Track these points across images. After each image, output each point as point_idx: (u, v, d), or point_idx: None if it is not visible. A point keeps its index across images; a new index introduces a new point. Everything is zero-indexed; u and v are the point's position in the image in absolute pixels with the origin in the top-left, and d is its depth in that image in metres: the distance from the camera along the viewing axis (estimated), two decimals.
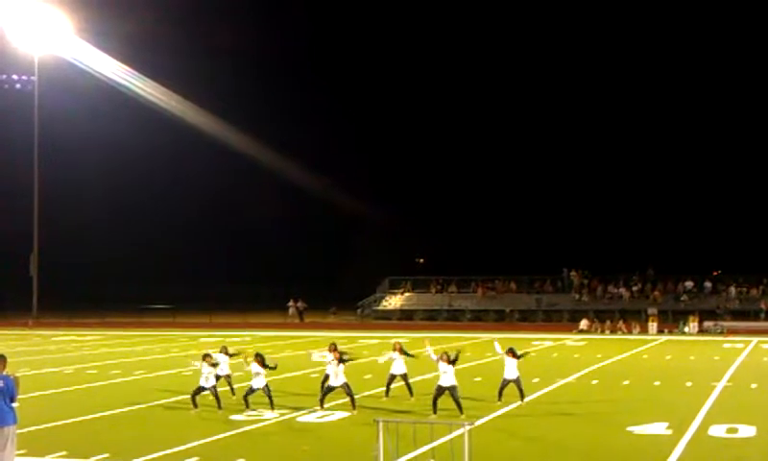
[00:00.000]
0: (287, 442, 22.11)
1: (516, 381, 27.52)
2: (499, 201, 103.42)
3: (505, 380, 27.58)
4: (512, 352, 27.62)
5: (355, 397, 26.60)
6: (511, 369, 27.48)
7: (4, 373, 16.92)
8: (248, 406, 26.48)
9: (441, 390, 25.05)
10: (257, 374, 26.44)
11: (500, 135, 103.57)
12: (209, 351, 28.18)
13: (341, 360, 26.42)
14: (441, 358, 25.01)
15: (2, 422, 16.40)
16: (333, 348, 27.04)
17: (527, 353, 28.27)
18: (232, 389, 28.94)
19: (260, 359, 26.58)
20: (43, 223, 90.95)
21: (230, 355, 29.18)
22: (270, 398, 26.29)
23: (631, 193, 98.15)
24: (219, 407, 26.54)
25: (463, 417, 24.02)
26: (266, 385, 26.48)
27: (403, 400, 27.94)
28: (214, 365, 27.13)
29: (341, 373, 26.35)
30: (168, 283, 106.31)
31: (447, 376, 24.90)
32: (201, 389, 26.82)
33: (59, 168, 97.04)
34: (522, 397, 27.50)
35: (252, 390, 26.58)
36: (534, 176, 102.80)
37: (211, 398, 26.73)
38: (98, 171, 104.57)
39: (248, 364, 27.17)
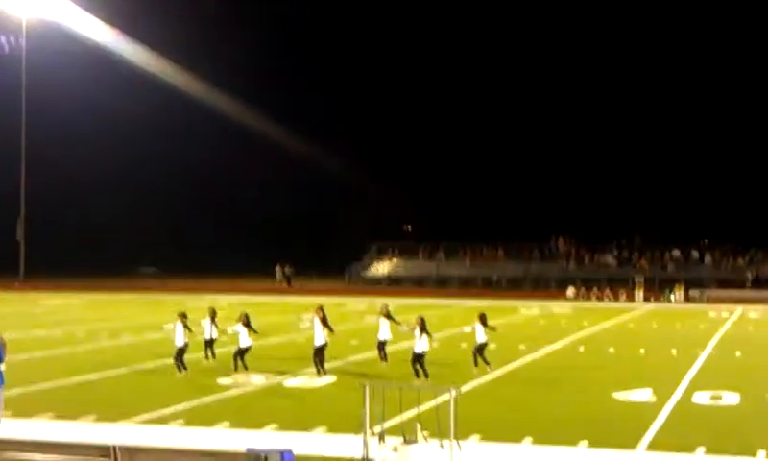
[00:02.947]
0: (273, 406, 22.20)
1: (482, 347, 27.56)
2: (487, 168, 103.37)
3: (477, 346, 27.69)
4: (482, 319, 27.68)
5: (343, 361, 26.68)
6: (480, 335, 27.55)
7: None
8: (243, 367, 26.62)
9: (416, 356, 25.53)
10: (240, 333, 26.74)
11: (489, 102, 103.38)
12: (185, 312, 28.21)
13: (324, 321, 26.60)
14: (417, 324, 25.61)
15: None
16: (318, 309, 27.19)
17: (494, 328, 28.30)
18: (213, 353, 28.94)
19: (246, 319, 26.85)
20: (30, 186, 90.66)
21: (215, 321, 29.09)
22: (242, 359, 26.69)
23: (619, 161, 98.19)
24: (181, 369, 26.77)
25: (429, 381, 24.46)
26: (248, 347, 26.80)
27: (382, 365, 28.00)
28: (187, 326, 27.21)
29: (322, 333, 26.51)
30: (155, 247, 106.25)
31: (421, 342, 25.48)
32: (181, 350, 27.01)
33: (47, 131, 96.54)
34: (486, 363, 27.43)
35: (240, 350, 26.79)
36: (523, 143, 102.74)
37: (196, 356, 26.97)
38: (86, 134, 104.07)
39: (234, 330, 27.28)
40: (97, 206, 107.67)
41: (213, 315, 29.16)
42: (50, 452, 15.01)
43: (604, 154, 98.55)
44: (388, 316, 28.52)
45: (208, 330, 28.80)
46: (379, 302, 37.04)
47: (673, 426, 19.69)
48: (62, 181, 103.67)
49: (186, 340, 27.18)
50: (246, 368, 26.76)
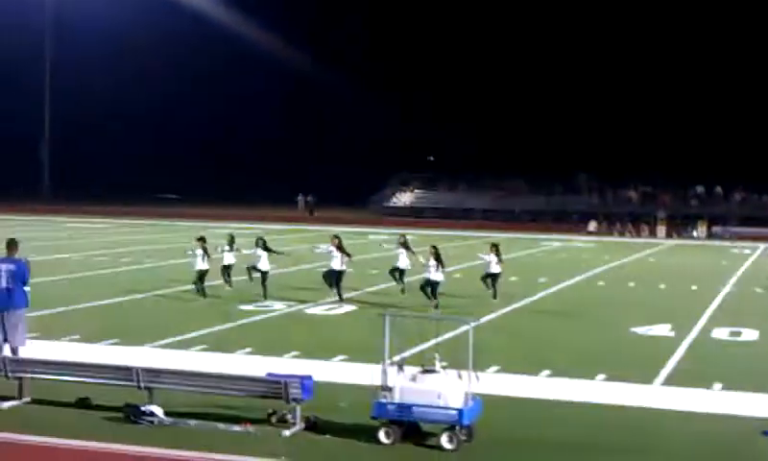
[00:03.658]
0: (294, 333, 22.40)
1: (497, 276, 27.83)
2: (511, 101, 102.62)
3: (488, 274, 27.83)
4: (495, 249, 27.79)
5: (361, 291, 26.82)
6: (493, 265, 27.65)
7: (16, 256, 17.12)
8: (266, 295, 26.88)
9: (428, 282, 26.01)
10: (260, 256, 26.98)
11: (512, 33, 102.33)
12: (203, 236, 28.45)
13: (339, 248, 26.78)
14: (430, 254, 26.07)
15: (15, 304, 16.64)
16: (334, 237, 27.46)
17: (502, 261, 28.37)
18: (230, 280, 29.11)
19: (263, 242, 27.28)
20: (54, 110, 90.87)
21: (233, 247, 29.27)
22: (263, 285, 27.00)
23: (644, 97, 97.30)
24: (204, 293, 27.12)
25: (441, 311, 24.97)
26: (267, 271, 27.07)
27: (405, 297, 28.13)
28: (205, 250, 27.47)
29: (341, 260, 26.77)
30: (179, 175, 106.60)
31: (435, 272, 25.85)
32: (202, 274, 27.28)
33: (69, 54, 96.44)
34: (491, 288, 27.80)
35: (261, 273, 27.03)
36: (547, 76, 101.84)
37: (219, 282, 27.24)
38: (109, 60, 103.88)
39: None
40: (121, 130, 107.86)
41: (231, 241, 29.32)
42: (74, 373, 15.27)
43: (629, 89, 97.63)
44: (405, 246, 28.62)
45: (227, 256, 29.02)
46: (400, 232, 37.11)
47: (691, 362, 19.77)
48: (86, 106, 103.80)
49: (207, 265, 27.44)
50: (265, 294, 26.94)
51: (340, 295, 26.90)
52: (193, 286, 27.60)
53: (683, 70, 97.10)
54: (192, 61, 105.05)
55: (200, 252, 27.35)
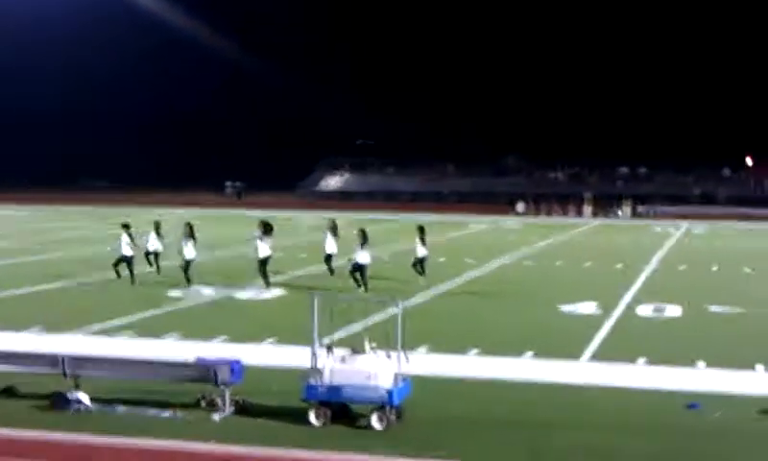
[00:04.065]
0: (223, 318, 22.29)
1: (424, 259, 28.01)
2: (439, 83, 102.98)
3: (416, 259, 27.95)
4: (421, 232, 28.05)
5: (292, 275, 26.72)
6: (420, 249, 27.92)
7: None
8: (189, 282, 26.60)
9: (356, 266, 26.06)
10: (186, 245, 26.74)
11: (441, 14, 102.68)
12: (128, 221, 28.23)
13: (265, 232, 26.70)
14: (358, 237, 26.22)
15: None
16: (261, 223, 27.35)
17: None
18: (158, 266, 28.93)
19: (189, 229, 26.97)
20: None
21: (159, 234, 29.16)
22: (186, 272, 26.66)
23: (571, 79, 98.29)
24: (133, 282, 26.87)
25: (370, 293, 24.77)
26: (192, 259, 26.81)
27: (334, 280, 28.16)
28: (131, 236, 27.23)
29: (266, 246, 26.65)
30: (108, 161, 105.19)
31: (362, 254, 26.00)
32: (127, 260, 27.03)
33: None
34: (421, 274, 27.85)
35: (187, 262, 26.75)
36: (474, 58, 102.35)
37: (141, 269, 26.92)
38: (37, 45, 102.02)
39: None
40: (41, 113, 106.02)
41: (158, 227, 29.16)
42: None
43: (556, 71, 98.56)
44: (333, 230, 28.66)
45: (153, 243, 28.83)
46: (329, 216, 37.10)
47: (616, 338, 20.08)
48: (11, 94, 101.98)
49: (132, 252, 27.19)
50: (189, 281, 26.69)
51: (267, 281, 26.69)
52: (114, 271, 27.34)
53: (609, 53, 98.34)
54: (119, 48, 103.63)
55: (125, 238, 27.10)
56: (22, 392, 14.79)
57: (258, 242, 26.75)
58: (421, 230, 28.30)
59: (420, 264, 27.99)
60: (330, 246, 28.59)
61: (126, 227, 27.42)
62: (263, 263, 26.68)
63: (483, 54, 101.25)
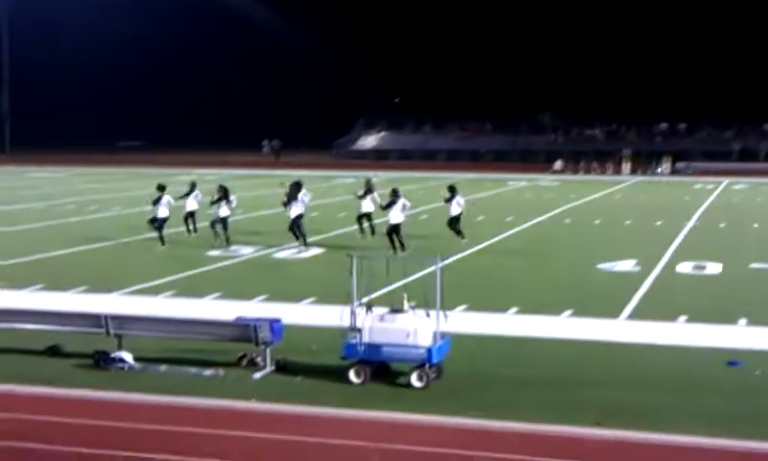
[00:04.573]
0: (262, 277, 22.43)
1: (458, 218, 27.61)
2: (476, 40, 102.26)
3: (451, 218, 27.75)
4: (452, 191, 27.73)
5: (331, 234, 26.81)
6: (454, 207, 27.53)
7: None
8: (225, 239, 26.70)
9: (391, 227, 25.65)
10: (221, 205, 26.81)
11: None
12: (164, 184, 28.29)
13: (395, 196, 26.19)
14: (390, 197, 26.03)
15: None
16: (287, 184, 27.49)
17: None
18: (195, 227, 29.00)
19: (224, 191, 26.93)
20: (12, 61, 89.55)
21: (193, 193, 29.21)
22: (221, 231, 26.75)
23: (608, 34, 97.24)
24: (164, 242, 26.95)
25: (407, 253, 24.50)
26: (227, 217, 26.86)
27: (374, 239, 28.16)
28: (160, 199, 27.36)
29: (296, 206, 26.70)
30: (144, 122, 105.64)
31: (394, 214, 25.58)
32: (162, 221, 27.14)
33: (28, 4, 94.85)
34: (459, 234, 27.54)
35: (221, 221, 26.78)
36: (510, 16, 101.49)
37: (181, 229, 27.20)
38: (70, 12, 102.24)
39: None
40: (82, 79, 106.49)
41: (193, 188, 29.24)
42: (41, 322, 15.23)
43: (593, 27, 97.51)
44: (369, 190, 28.46)
45: (190, 203, 28.91)
46: (366, 175, 37.12)
47: (656, 296, 20.00)
48: (47, 53, 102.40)
49: (168, 213, 27.27)
50: (228, 240, 26.75)
51: (304, 239, 26.68)
52: (156, 232, 27.43)
53: (647, 7, 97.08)
54: (155, 9, 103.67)
55: (165, 199, 27.21)
56: (66, 351, 15.00)
57: (294, 202, 26.70)
58: (452, 189, 27.98)
59: (455, 223, 27.65)
60: (367, 205, 28.43)
61: (162, 188, 27.50)
62: (296, 222, 26.62)
63: (520, 12, 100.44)
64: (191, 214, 28.96)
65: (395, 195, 25.87)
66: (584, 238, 30.33)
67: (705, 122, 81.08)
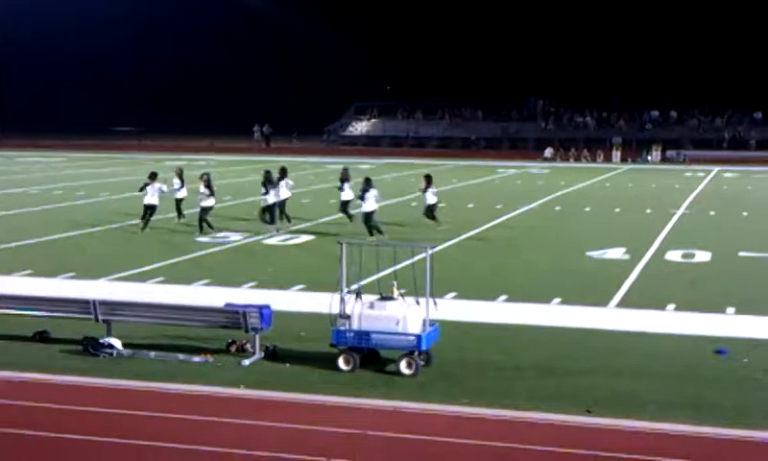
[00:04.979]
0: (251, 264, 22.40)
1: (434, 207, 28.09)
2: (467, 27, 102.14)
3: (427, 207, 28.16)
4: (428, 180, 28.13)
5: (321, 221, 26.80)
6: (429, 196, 27.99)
7: None
8: (212, 227, 26.64)
9: (364, 216, 26.12)
10: (203, 194, 26.66)
11: None
12: (155, 171, 28.24)
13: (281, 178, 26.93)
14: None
15: None
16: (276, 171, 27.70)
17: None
18: (182, 213, 28.89)
19: (207, 179, 26.82)
20: (4, 41, 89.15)
21: (182, 179, 29.14)
22: (206, 221, 26.64)
23: (599, 22, 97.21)
24: (143, 228, 26.88)
25: (373, 239, 24.86)
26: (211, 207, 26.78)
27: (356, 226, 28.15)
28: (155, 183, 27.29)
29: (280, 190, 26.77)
30: (134, 107, 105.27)
31: (367, 202, 26.01)
32: (154, 208, 27.07)
33: None
34: (436, 220, 27.91)
35: (204, 210, 26.70)
36: (503, 1, 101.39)
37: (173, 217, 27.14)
38: None
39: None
40: (73, 63, 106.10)
41: (180, 173, 29.18)
42: (30, 307, 15.19)
43: (583, 14, 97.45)
44: (345, 178, 28.58)
45: (177, 190, 28.82)
46: (358, 163, 37.11)
47: (645, 284, 20.03)
48: (37, 37, 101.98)
49: (157, 201, 27.15)
50: (212, 227, 26.69)
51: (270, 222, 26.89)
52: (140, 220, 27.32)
53: None
54: None
55: (153, 187, 27.08)
56: (54, 337, 14.98)
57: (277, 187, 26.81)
58: (428, 178, 28.25)
59: (430, 211, 28.00)
60: (347, 193, 28.52)
61: (153, 176, 27.42)
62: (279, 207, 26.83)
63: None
64: (179, 201, 28.86)
65: (367, 184, 26.14)
66: (573, 226, 30.35)
67: (695, 110, 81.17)
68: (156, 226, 27.35)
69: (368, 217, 25.93)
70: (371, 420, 11.59)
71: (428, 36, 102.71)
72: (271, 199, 26.67)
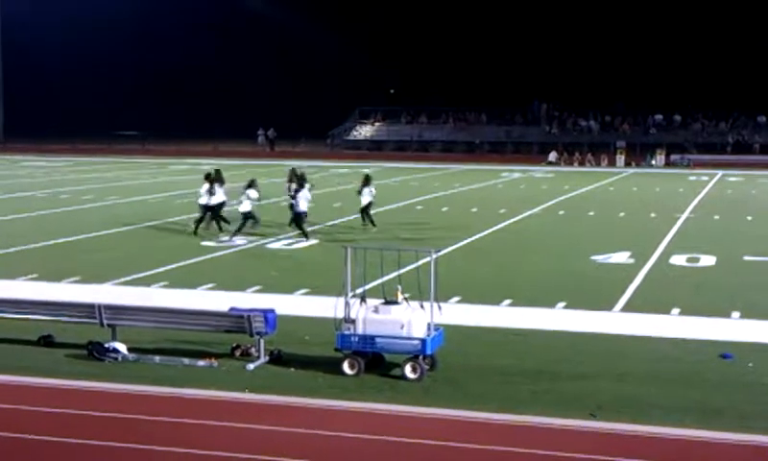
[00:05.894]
0: (256, 268, 22.40)
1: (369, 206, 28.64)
2: (471, 31, 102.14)
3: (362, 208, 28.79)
4: (366, 180, 28.74)
5: (325, 225, 26.79)
6: (365, 196, 28.46)
7: None
8: (218, 228, 26.75)
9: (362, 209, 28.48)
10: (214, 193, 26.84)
11: None
12: (210, 172, 28.24)
13: (300, 186, 26.67)
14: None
15: None
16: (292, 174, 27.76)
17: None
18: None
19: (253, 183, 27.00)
20: (6, 45, 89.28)
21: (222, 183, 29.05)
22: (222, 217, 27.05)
23: (603, 26, 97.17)
24: (195, 233, 26.83)
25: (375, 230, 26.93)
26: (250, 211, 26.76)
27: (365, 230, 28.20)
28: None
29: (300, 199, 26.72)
30: (137, 111, 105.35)
31: (364, 196, 28.25)
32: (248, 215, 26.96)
33: None
34: (371, 223, 28.42)
35: (205, 208, 26.84)
36: (505, 6, 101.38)
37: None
38: None
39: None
40: (74, 65, 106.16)
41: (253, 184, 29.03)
42: (35, 312, 15.20)
43: (587, 18, 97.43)
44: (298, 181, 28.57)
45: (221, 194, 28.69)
46: (362, 167, 37.15)
47: (650, 288, 20.00)
48: (39, 42, 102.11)
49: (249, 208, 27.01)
50: (221, 229, 26.81)
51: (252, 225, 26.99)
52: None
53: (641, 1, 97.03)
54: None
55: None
56: (59, 341, 14.98)
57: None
58: (366, 179, 28.77)
59: (366, 211, 28.44)
60: (366, 199, 28.58)
61: (251, 184, 27.17)
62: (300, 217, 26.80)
63: (515, 2, 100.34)
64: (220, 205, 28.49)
65: (366, 181, 28.16)
66: (577, 230, 30.32)
67: (700, 114, 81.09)
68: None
69: (364, 209, 28.15)
70: (375, 424, 11.59)
71: (432, 40, 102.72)
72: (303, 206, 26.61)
